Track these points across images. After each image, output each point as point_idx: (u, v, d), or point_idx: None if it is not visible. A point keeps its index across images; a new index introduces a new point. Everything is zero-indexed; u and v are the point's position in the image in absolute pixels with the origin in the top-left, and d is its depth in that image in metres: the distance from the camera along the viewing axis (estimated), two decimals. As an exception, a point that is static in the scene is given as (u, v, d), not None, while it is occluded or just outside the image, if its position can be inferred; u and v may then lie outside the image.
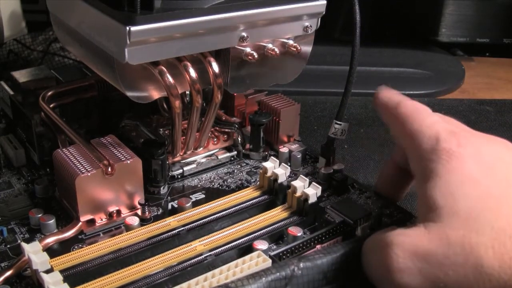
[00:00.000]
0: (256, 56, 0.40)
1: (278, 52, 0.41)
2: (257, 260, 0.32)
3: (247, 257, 0.33)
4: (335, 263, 0.32)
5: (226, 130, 0.46)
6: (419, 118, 0.34)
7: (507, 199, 0.29)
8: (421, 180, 0.31)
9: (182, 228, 0.37)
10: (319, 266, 0.31)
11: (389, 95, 0.38)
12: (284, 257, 0.34)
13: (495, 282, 0.27)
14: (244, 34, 0.38)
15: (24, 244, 0.33)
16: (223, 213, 0.39)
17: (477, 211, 0.28)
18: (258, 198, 0.40)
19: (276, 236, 0.37)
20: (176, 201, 0.41)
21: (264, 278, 0.30)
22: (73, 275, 0.33)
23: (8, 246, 0.37)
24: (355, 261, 0.32)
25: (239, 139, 0.47)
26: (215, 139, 0.46)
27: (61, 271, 0.32)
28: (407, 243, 0.29)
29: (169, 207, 0.41)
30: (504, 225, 0.28)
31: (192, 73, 0.38)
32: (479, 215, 0.28)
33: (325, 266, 0.31)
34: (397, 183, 0.41)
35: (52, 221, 0.38)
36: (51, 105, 0.44)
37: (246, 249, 0.35)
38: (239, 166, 0.47)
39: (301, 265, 0.31)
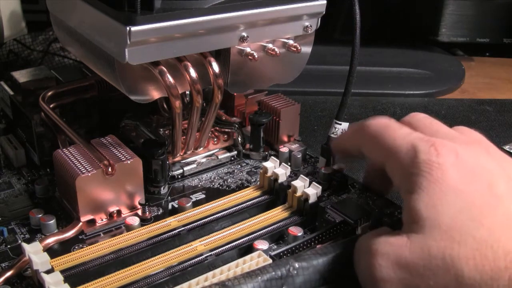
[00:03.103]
0: (256, 56, 0.40)
1: (278, 52, 0.41)
2: (258, 260, 0.32)
3: (247, 257, 0.33)
4: (331, 263, 0.32)
5: (226, 130, 0.46)
6: (389, 133, 0.34)
7: (489, 209, 0.29)
8: (405, 192, 0.31)
9: (183, 228, 0.37)
10: (315, 266, 0.31)
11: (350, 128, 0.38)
12: (284, 257, 0.34)
13: None
14: (244, 34, 0.38)
15: (24, 245, 0.33)
16: (223, 213, 0.39)
17: (459, 222, 0.28)
18: (259, 198, 0.40)
19: (277, 236, 0.37)
20: (176, 201, 0.41)
21: (260, 277, 0.30)
22: (73, 275, 0.33)
23: (9, 246, 0.37)
24: (351, 261, 0.32)
25: (239, 139, 0.47)
26: (215, 139, 0.46)
27: (62, 271, 0.32)
28: (390, 253, 0.29)
29: (170, 207, 0.41)
30: (486, 235, 0.28)
31: (193, 73, 0.38)
32: (461, 226, 0.28)
33: (321, 266, 0.31)
34: (382, 183, 0.41)
35: (52, 221, 0.37)
36: (51, 105, 0.44)
37: (246, 249, 0.35)
38: (239, 166, 0.47)
39: (297, 265, 0.31)
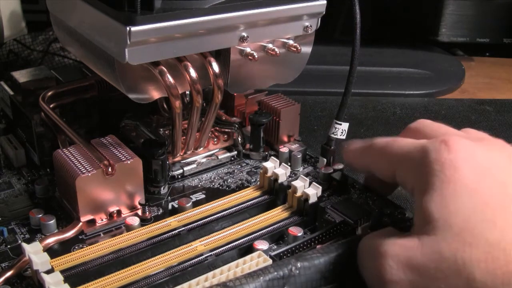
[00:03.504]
0: (256, 56, 0.40)
1: (278, 52, 0.41)
2: (258, 260, 0.32)
3: (247, 257, 0.33)
4: (333, 263, 0.32)
5: (226, 130, 0.46)
6: (396, 144, 0.34)
7: (503, 209, 0.28)
8: (418, 193, 0.30)
9: (183, 228, 0.37)
10: (316, 266, 0.31)
11: (359, 142, 0.38)
12: (284, 257, 0.34)
13: None
14: (244, 34, 0.38)
15: (24, 245, 0.33)
16: (223, 213, 0.39)
17: (472, 224, 0.28)
18: (259, 198, 0.40)
19: (277, 236, 0.37)
20: (176, 201, 0.41)
21: (262, 278, 0.30)
22: (73, 276, 0.33)
23: (9, 246, 0.37)
24: (353, 261, 0.32)
25: (239, 139, 0.47)
26: (215, 139, 0.46)
27: (62, 272, 0.32)
28: (401, 255, 0.29)
29: (170, 207, 0.41)
30: (499, 237, 0.27)
31: (193, 73, 0.38)
32: (474, 228, 0.28)
33: (323, 266, 0.31)
34: (383, 186, 0.41)
35: (52, 221, 0.37)
36: (51, 105, 0.44)
37: (246, 249, 0.35)
38: (239, 166, 0.47)
39: (299, 264, 0.31)
